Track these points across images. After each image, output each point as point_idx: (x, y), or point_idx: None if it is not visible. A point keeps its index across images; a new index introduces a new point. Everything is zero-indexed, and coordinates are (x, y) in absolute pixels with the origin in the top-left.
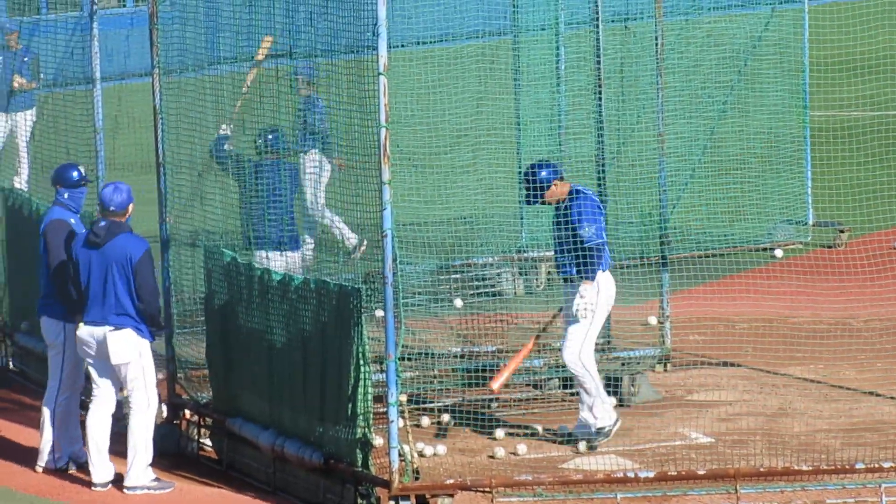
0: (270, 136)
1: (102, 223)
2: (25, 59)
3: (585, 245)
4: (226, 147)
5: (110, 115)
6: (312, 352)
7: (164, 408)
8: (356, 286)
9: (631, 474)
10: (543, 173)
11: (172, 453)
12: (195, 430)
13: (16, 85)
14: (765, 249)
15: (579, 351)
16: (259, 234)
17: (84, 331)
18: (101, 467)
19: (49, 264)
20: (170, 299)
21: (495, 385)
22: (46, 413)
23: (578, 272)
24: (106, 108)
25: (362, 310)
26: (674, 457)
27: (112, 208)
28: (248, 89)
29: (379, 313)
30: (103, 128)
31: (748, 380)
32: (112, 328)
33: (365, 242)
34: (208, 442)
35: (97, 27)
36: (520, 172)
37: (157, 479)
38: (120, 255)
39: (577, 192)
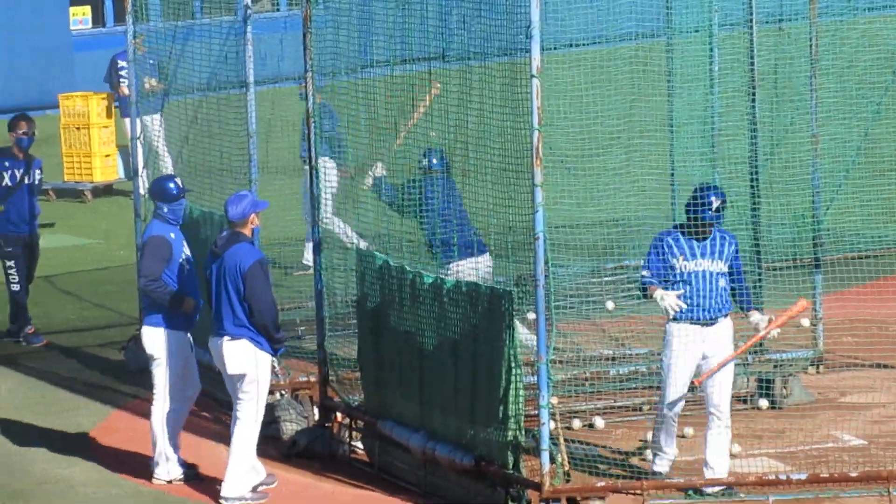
0: (435, 161)
1: (224, 234)
2: (151, 62)
3: (741, 277)
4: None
5: (263, 118)
6: (463, 354)
7: (316, 410)
8: (508, 289)
9: (783, 476)
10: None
11: (324, 456)
12: (347, 433)
13: (147, 87)
14: None
15: None
16: (446, 245)
17: (211, 342)
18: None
19: (142, 276)
20: (321, 302)
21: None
22: (156, 426)
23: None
24: (259, 112)
25: (514, 312)
26: (826, 459)
27: (230, 219)
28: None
29: (531, 316)
30: (256, 131)
31: None
32: (229, 338)
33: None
34: (360, 444)
35: (251, 31)
36: (707, 188)
37: (254, 490)
38: (232, 265)
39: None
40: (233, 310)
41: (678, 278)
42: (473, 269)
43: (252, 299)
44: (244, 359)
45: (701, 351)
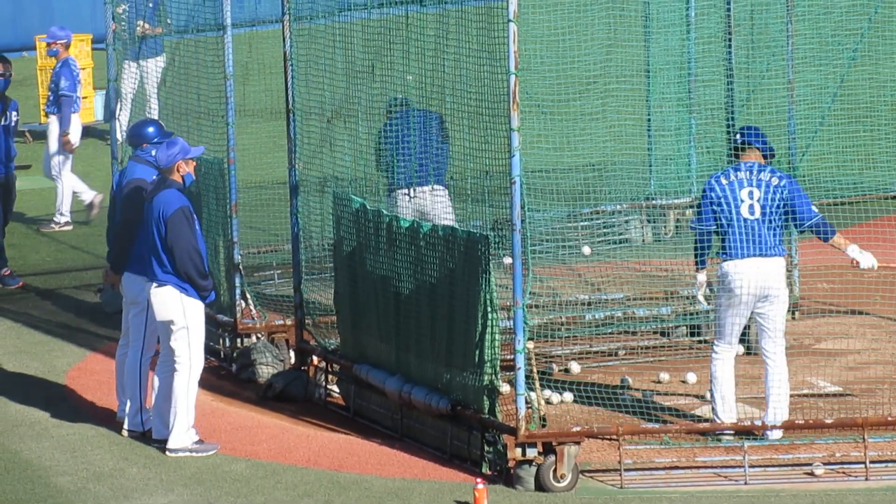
0: (399, 97)
1: (156, 179)
2: (150, 4)
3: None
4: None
5: (241, 61)
6: (440, 298)
7: (292, 354)
8: (484, 233)
9: (758, 422)
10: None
11: (300, 399)
12: (323, 376)
13: (139, 31)
14: (895, 197)
15: None
16: (406, 171)
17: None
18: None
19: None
20: (298, 246)
21: None
22: (132, 374)
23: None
24: (236, 55)
25: (490, 257)
26: (801, 406)
27: (158, 164)
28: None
29: (507, 260)
30: (233, 74)
31: (877, 328)
32: (156, 284)
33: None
34: (335, 388)
35: None
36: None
37: (199, 442)
38: (157, 211)
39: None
40: (158, 256)
41: None
42: (429, 197)
43: (174, 246)
44: (170, 305)
45: None
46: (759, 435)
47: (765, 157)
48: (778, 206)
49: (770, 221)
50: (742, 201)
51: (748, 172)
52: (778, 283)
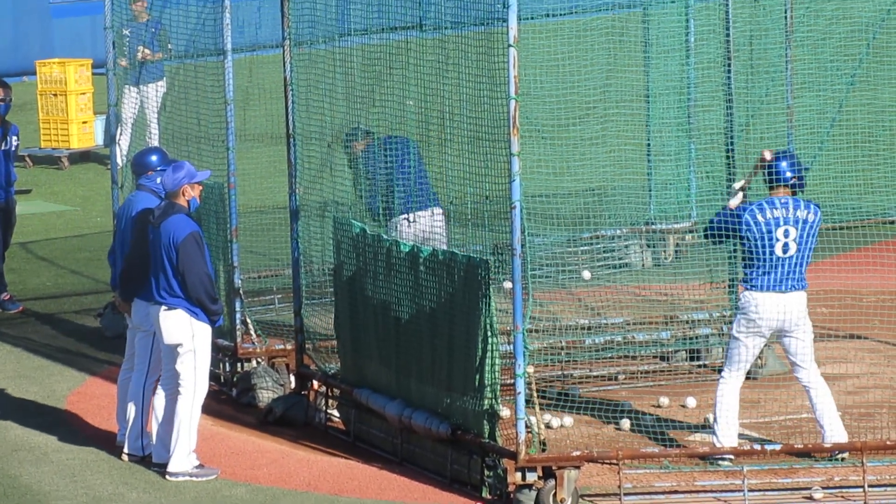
0: (361, 127)
1: (162, 204)
2: (153, 30)
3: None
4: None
5: (241, 86)
6: (440, 323)
7: (292, 378)
8: (484, 258)
9: (757, 447)
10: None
11: (300, 424)
12: (323, 401)
13: (139, 56)
14: (893, 222)
15: None
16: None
17: (151, 310)
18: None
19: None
20: (298, 270)
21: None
22: (135, 397)
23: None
24: (237, 80)
25: (490, 281)
26: (800, 429)
27: (163, 188)
28: None
29: (507, 285)
30: (234, 99)
31: (875, 353)
32: (165, 308)
33: None
34: (336, 412)
35: None
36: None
37: (200, 466)
38: (166, 237)
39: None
40: (168, 281)
41: None
42: (428, 221)
43: (185, 272)
44: (179, 328)
45: None
46: (828, 457)
47: (794, 189)
48: (810, 244)
49: (802, 258)
50: (777, 240)
51: (784, 209)
52: (799, 315)
